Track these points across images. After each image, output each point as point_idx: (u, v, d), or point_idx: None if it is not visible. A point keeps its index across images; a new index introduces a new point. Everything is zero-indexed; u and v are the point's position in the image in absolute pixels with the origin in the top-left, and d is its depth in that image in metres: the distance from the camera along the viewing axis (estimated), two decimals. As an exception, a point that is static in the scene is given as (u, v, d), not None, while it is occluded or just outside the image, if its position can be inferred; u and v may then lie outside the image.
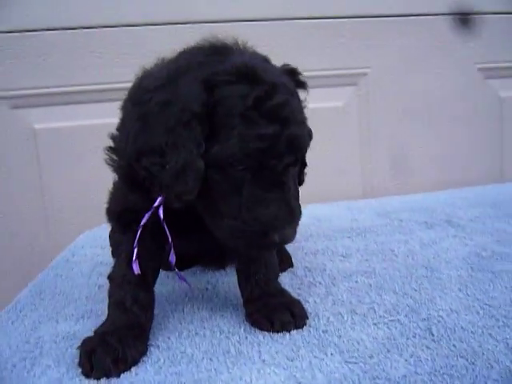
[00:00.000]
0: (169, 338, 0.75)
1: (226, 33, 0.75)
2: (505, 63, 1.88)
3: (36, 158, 1.58)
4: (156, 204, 0.73)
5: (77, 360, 0.69)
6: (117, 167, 0.79)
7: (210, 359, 0.68)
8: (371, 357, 0.65)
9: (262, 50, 0.78)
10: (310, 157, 0.83)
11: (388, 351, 0.67)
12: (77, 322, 0.85)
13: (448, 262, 1.04)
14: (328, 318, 0.79)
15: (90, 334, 0.76)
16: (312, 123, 0.77)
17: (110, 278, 0.80)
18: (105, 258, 1.21)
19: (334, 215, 1.48)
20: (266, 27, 1.61)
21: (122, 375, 0.65)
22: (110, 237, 0.90)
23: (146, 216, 0.74)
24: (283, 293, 0.81)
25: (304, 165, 0.82)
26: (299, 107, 0.71)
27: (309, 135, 0.74)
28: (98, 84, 1.62)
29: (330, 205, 1.60)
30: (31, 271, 1.23)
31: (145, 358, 0.69)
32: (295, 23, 1.65)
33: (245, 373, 0.64)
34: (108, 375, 0.64)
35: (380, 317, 0.78)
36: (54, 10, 1.55)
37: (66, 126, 1.62)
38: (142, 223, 0.74)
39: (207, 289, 0.96)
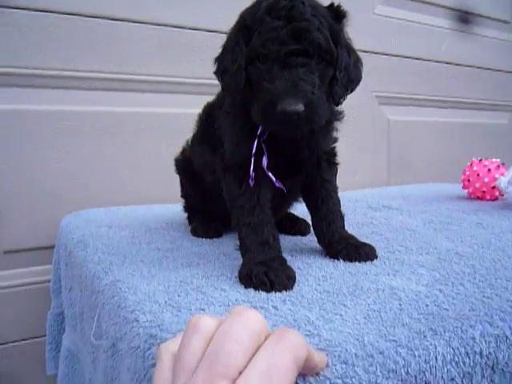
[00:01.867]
0: (298, 267, 0.93)
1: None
2: (393, 94, 2.46)
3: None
4: (259, 132, 0.93)
5: (237, 285, 0.83)
6: (235, 116, 0.98)
7: (350, 274, 0.89)
8: (443, 267, 0.94)
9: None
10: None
11: (448, 264, 0.96)
12: (187, 268, 0.95)
13: (416, 225, 1.36)
14: (385, 253, 1.05)
15: (225, 273, 0.91)
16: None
17: (239, 223, 0.94)
18: (125, 233, 1.27)
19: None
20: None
21: (294, 288, 0.82)
22: (226, 192, 1.01)
23: (254, 145, 0.93)
24: (353, 236, 1.05)
25: (342, 83, 0.94)
26: (316, 15, 0.86)
27: (326, 39, 0.86)
28: (55, 70, 1.63)
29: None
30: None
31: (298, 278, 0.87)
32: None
33: (383, 280, 0.86)
34: (286, 288, 0.81)
35: (418, 251, 1.06)
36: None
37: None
38: (253, 152, 0.93)
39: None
